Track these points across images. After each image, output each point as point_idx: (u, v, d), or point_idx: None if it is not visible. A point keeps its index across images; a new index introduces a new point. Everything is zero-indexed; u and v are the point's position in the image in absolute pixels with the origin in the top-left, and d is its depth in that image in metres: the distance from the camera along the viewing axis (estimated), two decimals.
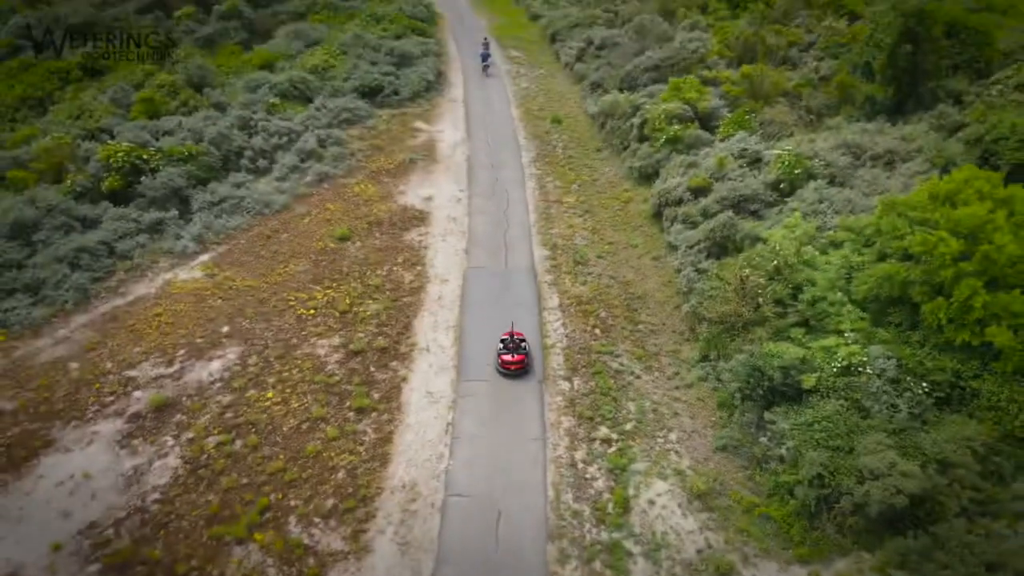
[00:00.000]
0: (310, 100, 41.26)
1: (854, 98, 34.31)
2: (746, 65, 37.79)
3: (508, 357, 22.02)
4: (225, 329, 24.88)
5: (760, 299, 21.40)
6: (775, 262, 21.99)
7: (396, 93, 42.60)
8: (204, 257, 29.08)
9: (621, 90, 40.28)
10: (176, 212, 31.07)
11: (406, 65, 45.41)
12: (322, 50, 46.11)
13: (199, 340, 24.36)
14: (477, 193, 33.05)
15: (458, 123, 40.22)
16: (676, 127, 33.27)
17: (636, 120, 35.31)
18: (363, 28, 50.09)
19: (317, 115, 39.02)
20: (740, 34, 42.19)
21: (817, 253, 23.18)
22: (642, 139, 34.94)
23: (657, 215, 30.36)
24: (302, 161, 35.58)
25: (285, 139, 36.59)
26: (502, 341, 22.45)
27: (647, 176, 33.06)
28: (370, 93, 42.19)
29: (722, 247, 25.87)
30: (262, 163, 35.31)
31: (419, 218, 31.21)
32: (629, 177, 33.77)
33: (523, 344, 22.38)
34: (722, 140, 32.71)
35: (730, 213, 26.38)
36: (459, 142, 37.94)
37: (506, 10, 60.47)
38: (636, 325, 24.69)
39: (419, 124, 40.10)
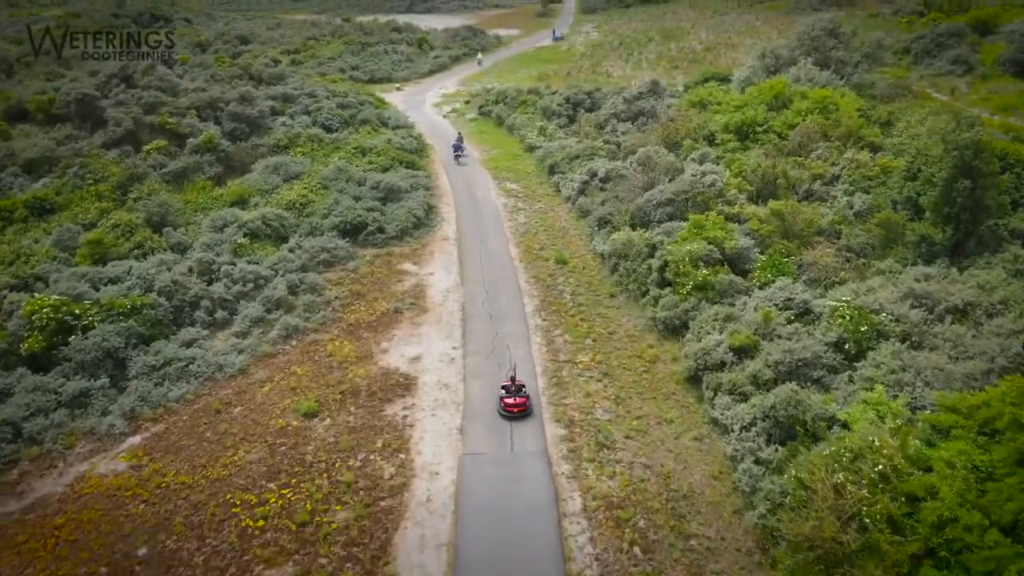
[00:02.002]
0: (284, 239, 36.82)
1: (901, 237, 30.13)
2: (773, 201, 33.87)
3: (510, 400, 23.88)
4: (142, 552, 18.71)
5: (867, 519, 15.74)
6: (879, 466, 16.49)
7: (381, 230, 38.31)
8: (134, 440, 23.27)
9: (633, 227, 36.19)
10: (107, 380, 25.58)
11: (393, 199, 41.50)
12: (301, 184, 42.30)
13: (103, 570, 18.12)
14: (473, 351, 27.85)
15: (451, 264, 35.65)
16: (704, 271, 28.72)
17: (655, 262, 30.80)
18: (348, 160, 46.70)
19: (290, 257, 34.37)
20: (757, 167, 38.77)
21: (923, 446, 17.79)
22: (663, 283, 30.32)
23: (693, 379, 25.12)
24: (268, 312, 30.52)
25: (251, 286, 31.68)
26: (504, 388, 24.39)
27: (674, 329, 28.11)
28: (352, 231, 37.88)
29: (788, 430, 20.43)
30: (221, 315, 30.19)
31: (404, 385, 25.77)
32: (651, 329, 28.81)
33: (523, 389, 24.33)
34: (760, 287, 28.07)
35: (792, 386, 21.12)
36: (452, 287, 33.17)
37: (500, 141, 57.87)
38: (687, 540, 18.77)
39: (406, 266, 35.49)
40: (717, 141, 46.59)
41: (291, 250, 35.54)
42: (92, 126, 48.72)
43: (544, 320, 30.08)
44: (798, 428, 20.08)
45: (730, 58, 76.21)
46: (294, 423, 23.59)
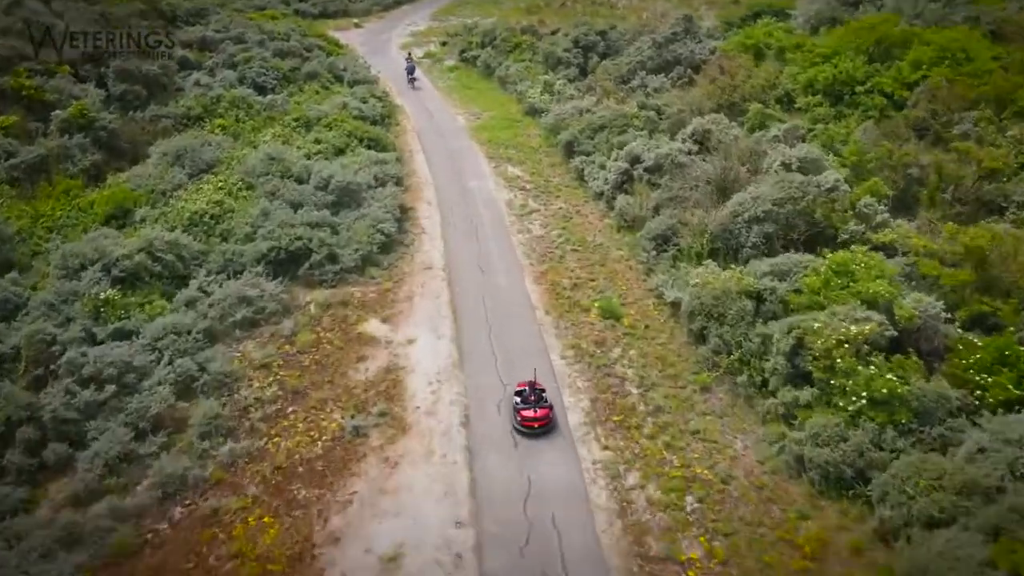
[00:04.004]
0: (183, 281, 23.99)
1: None
2: (952, 225, 21.71)
3: (529, 413, 18.01)
4: None
5: None
6: None
7: (333, 259, 25.52)
8: None
9: (715, 253, 23.97)
10: None
11: (349, 205, 28.51)
12: (215, 182, 29.04)
13: None
14: (494, 532, 15.77)
15: (440, 321, 23.18)
16: (881, 377, 16.68)
17: (782, 340, 18.67)
18: (286, 139, 33.26)
19: (186, 322, 21.60)
20: (886, 152, 26.41)
21: None
22: (796, 375, 18.38)
23: None
24: (138, 440, 18.04)
25: (111, 389, 19.00)
26: (518, 394, 18.74)
27: (839, 480, 16.22)
28: (288, 261, 25.09)
29: None
30: (55, 454, 17.64)
31: None
32: (791, 471, 16.93)
33: (544, 395, 18.49)
34: (997, 409, 16.18)
35: None
36: (444, 371, 20.82)
37: (491, 100, 44.41)
38: None
39: (371, 326, 22.95)
40: (797, 105, 34.03)
41: (190, 304, 22.76)
42: None
43: (605, 448, 17.96)
44: None
45: None
46: None
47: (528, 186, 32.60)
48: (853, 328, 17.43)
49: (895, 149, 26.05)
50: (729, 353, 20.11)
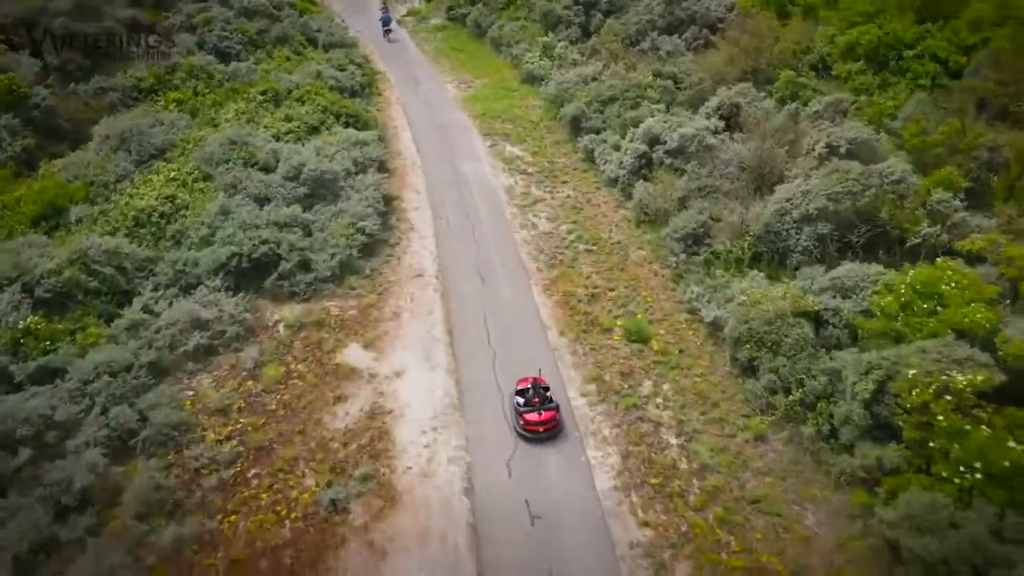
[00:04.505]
0: (127, 297, 20.11)
1: None
2: None
3: (534, 416, 15.74)
4: None
5: None
6: None
7: (306, 267, 21.61)
8: None
9: (757, 258, 20.28)
10: None
11: (324, 198, 24.45)
12: (166, 173, 24.85)
13: None
14: None
15: (433, 343, 19.45)
16: (1000, 444, 13.15)
17: (860, 382, 15.07)
18: (251, 117, 28.91)
19: (126, 356, 17.75)
20: (955, 129, 22.56)
21: None
22: (875, 424, 14.89)
23: None
24: (58, 522, 14.36)
25: (28, 453, 15.23)
26: (519, 393, 16.59)
27: None
28: (253, 270, 21.17)
29: None
30: None
31: None
32: (880, 555, 13.50)
33: (549, 394, 16.41)
34: None
35: None
36: (440, 414, 17.16)
37: (484, 65, 39.92)
38: None
39: (351, 354, 19.17)
40: (835, 73, 29.98)
41: (133, 329, 18.89)
42: None
43: (644, 525, 14.42)
44: None
45: None
46: None
47: (530, 169, 28.56)
48: (959, 377, 13.83)
49: (966, 128, 22.17)
50: (787, 392, 16.54)
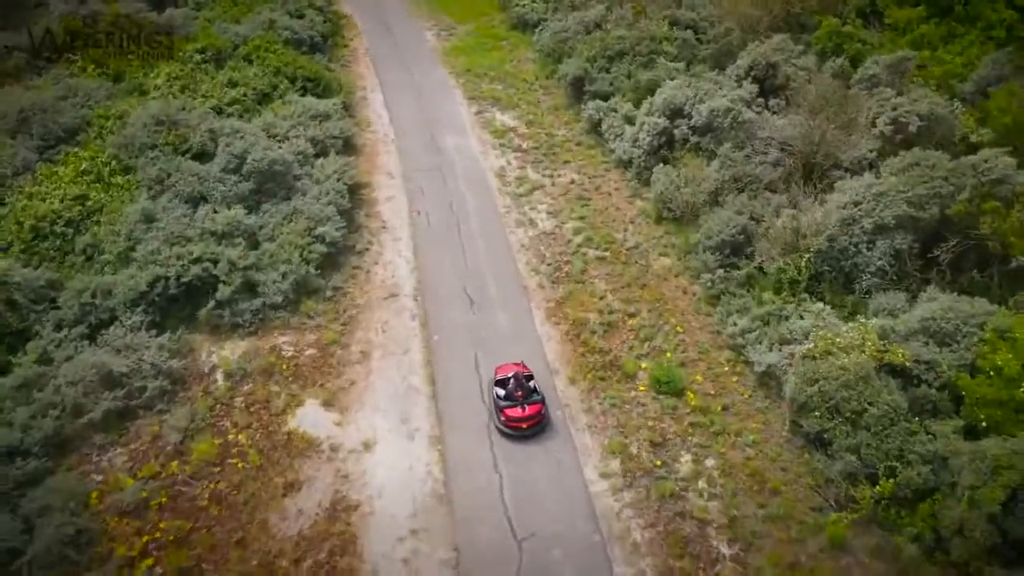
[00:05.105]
0: (21, 338, 15.82)
1: None
2: None
3: (517, 412, 13.99)
4: None
5: None
6: None
7: (251, 290, 17.26)
8: None
9: (817, 278, 16.17)
10: None
11: (275, 194, 19.79)
12: (76, 163, 20.06)
13: None
14: None
15: (412, 396, 15.39)
16: None
17: (972, 481, 11.28)
18: (186, 84, 23.81)
19: (11, 435, 13.59)
20: None
21: None
22: (1007, 542, 11.17)
23: None
24: None
25: None
26: (499, 383, 14.65)
27: None
28: (184, 297, 16.82)
29: None
30: None
31: None
32: None
33: (533, 385, 14.51)
34: None
35: None
36: (421, 509, 13.23)
37: (466, 4, 34.42)
38: None
39: (306, 415, 15.05)
40: (888, 20, 25.21)
41: (24, 388, 14.67)
42: None
43: None
44: None
45: None
46: None
47: (525, 144, 23.91)
48: None
49: None
50: (872, 481, 12.72)
